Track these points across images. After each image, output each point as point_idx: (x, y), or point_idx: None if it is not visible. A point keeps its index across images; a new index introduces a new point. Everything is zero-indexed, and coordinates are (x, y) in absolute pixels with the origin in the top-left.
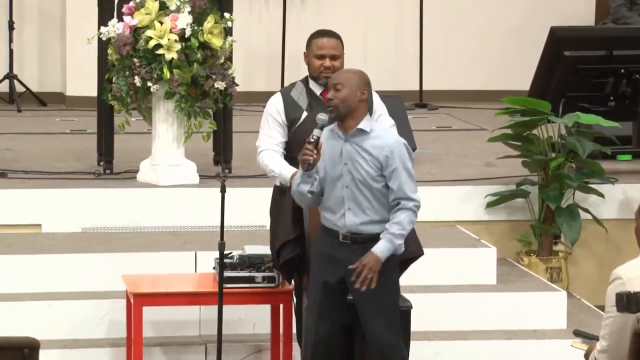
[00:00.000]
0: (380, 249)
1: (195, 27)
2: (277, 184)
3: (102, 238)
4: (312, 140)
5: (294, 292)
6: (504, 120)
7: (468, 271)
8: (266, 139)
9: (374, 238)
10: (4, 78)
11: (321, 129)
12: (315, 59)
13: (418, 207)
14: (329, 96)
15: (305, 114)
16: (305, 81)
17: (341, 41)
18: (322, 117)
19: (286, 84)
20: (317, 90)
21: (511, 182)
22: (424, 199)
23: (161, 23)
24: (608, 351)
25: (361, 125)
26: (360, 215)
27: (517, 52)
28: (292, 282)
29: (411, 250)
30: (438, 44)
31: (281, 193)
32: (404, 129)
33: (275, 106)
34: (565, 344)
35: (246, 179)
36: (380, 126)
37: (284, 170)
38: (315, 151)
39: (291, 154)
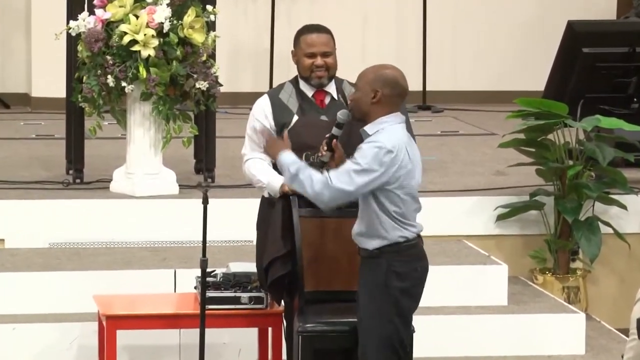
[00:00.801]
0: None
1: (175, 21)
2: (266, 194)
3: (71, 254)
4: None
5: (283, 315)
6: (516, 124)
7: (476, 291)
8: (252, 146)
9: (365, 254)
10: None
11: (339, 127)
12: (305, 58)
13: (324, 201)
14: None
15: (295, 117)
16: (295, 82)
17: (332, 36)
18: (341, 115)
19: (275, 84)
20: (309, 91)
21: (524, 192)
22: (428, 210)
23: (137, 17)
24: None
25: (366, 128)
26: (358, 224)
27: (530, 49)
28: (282, 303)
29: None
30: (443, 40)
31: (270, 205)
32: None
33: (262, 110)
34: None
35: (231, 189)
36: (385, 132)
37: (273, 180)
38: (325, 150)
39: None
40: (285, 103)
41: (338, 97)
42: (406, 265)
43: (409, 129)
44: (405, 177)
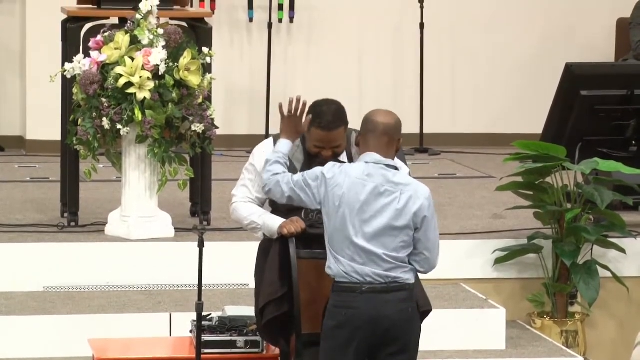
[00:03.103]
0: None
1: (170, 64)
2: (260, 236)
3: (66, 298)
4: None
5: (279, 359)
6: (514, 167)
7: (474, 335)
8: (243, 190)
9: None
10: None
11: None
12: (314, 147)
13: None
14: None
15: (301, 165)
16: (303, 138)
17: (345, 124)
18: None
19: (271, 125)
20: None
21: (522, 235)
22: None
23: (132, 59)
24: None
25: None
26: None
27: (528, 91)
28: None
29: (420, 304)
30: (440, 82)
31: (265, 252)
32: None
33: (264, 156)
34: None
35: (227, 232)
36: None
37: (268, 221)
38: None
39: (278, 207)
40: (289, 157)
41: (347, 153)
42: (335, 302)
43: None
44: (331, 208)
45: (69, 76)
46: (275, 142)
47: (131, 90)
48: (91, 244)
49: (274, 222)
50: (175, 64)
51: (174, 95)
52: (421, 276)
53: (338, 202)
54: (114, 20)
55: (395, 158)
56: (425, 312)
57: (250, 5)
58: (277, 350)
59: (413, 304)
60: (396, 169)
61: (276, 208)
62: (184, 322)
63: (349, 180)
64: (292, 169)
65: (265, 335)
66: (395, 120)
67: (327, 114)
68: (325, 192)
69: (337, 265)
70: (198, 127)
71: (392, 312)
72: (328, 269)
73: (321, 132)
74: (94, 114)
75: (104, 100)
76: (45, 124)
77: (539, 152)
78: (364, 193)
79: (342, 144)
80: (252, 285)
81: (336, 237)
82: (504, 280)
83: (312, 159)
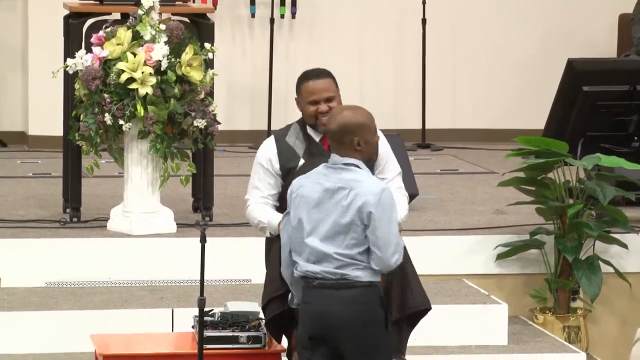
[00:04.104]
0: None
1: (172, 59)
2: (268, 235)
3: (68, 293)
4: None
5: (286, 354)
6: (516, 162)
7: (476, 330)
8: (254, 192)
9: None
10: None
11: None
12: (308, 106)
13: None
14: None
15: (302, 161)
16: (302, 123)
17: (333, 78)
18: None
19: (273, 121)
20: (316, 136)
21: (524, 231)
22: (427, 249)
23: (134, 54)
24: None
25: None
26: None
27: (530, 87)
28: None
29: (417, 303)
30: (443, 78)
31: (269, 249)
32: (404, 172)
33: (266, 154)
34: None
35: (229, 228)
36: None
37: (272, 219)
38: None
39: (284, 205)
40: (291, 146)
41: None
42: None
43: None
44: (291, 210)
45: (71, 72)
46: (276, 139)
47: (133, 85)
48: (93, 240)
49: (276, 220)
50: (178, 59)
51: (176, 90)
52: (423, 271)
53: (297, 202)
54: (116, 16)
55: (388, 153)
56: (423, 311)
57: (252, 1)
58: (279, 346)
59: (372, 309)
60: (358, 167)
61: (282, 205)
62: (186, 318)
63: (307, 181)
64: (294, 156)
65: (269, 331)
66: (346, 120)
67: (313, 69)
68: (290, 197)
69: (297, 264)
70: (200, 123)
71: (339, 309)
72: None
73: (310, 83)
74: (96, 109)
75: (106, 95)
76: (47, 119)
77: (541, 147)
78: (317, 192)
79: (337, 98)
80: (254, 280)
81: (294, 237)
82: (506, 275)
83: (312, 144)
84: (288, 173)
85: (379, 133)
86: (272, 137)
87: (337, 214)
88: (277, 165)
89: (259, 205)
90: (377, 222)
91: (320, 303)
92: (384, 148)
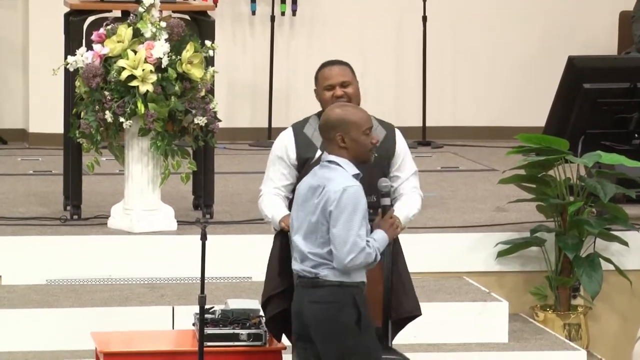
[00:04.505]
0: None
1: (173, 57)
2: (273, 229)
3: (68, 291)
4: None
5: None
6: (517, 160)
7: (477, 328)
8: (268, 183)
9: None
10: None
11: (388, 195)
12: (324, 92)
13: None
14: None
15: (319, 152)
16: (320, 116)
17: (349, 67)
18: (385, 183)
19: (274, 118)
20: None
21: (525, 228)
22: (428, 247)
23: (135, 52)
24: None
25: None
26: None
27: (531, 84)
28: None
29: (406, 309)
30: (443, 75)
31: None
32: None
33: (284, 144)
34: None
35: (229, 225)
36: None
37: (276, 214)
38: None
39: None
40: (309, 137)
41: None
42: None
43: None
44: None
45: (71, 69)
46: (294, 130)
47: (134, 83)
48: (94, 237)
49: (279, 216)
50: (178, 57)
51: (176, 88)
52: (424, 269)
53: (294, 199)
54: (117, 14)
55: (405, 152)
56: (414, 317)
57: None
58: (279, 344)
59: (342, 309)
60: (338, 165)
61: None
62: (187, 315)
63: (305, 178)
64: (312, 147)
65: (270, 329)
66: (330, 116)
67: (329, 60)
68: None
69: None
70: (201, 120)
71: (308, 308)
72: None
73: (326, 69)
74: (97, 107)
75: (106, 93)
76: (47, 117)
77: (541, 145)
78: (304, 190)
79: (353, 85)
80: (255, 278)
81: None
82: (507, 273)
83: None
84: (304, 164)
85: (397, 132)
86: (290, 128)
87: (311, 212)
88: (293, 156)
89: (271, 196)
90: (334, 221)
91: (297, 302)
92: (401, 146)
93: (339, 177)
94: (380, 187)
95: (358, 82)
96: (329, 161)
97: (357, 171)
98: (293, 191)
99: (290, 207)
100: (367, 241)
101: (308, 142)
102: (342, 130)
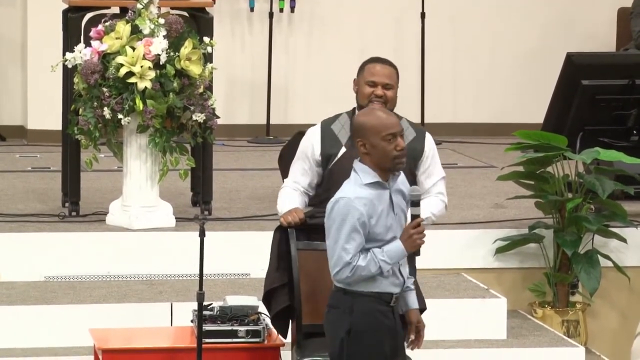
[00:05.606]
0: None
1: (171, 53)
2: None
3: (67, 287)
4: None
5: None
6: (515, 156)
7: (475, 324)
8: (290, 176)
9: None
10: None
11: (418, 204)
12: (366, 86)
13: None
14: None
15: (343, 149)
16: (351, 113)
17: (397, 72)
18: (415, 192)
19: (272, 115)
20: None
21: (523, 225)
22: (426, 243)
23: (133, 48)
24: None
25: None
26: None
27: (530, 81)
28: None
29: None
30: (442, 72)
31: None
32: None
33: (310, 138)
34: None
35: (228, 222)
36: None
37: (283, 208)
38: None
39: (328, 194)
40: (336, 134)
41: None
42: None
43: None
44: None
45: (70, 66)
46: (322, 125)
47: (132, 79)
48: (92, 234)
49: (282, 210)
50: (176, 53)
51: (175, 84)
52: (422, 266)
53: None
54: (115, 10)
55: (433, 155)
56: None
57: None
58: (278, 340)
59: (339, 315)
60: (355, 172)
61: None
62: (185, 312)
63: None
64: (337, 143)
65: (275, 326)
66: (354, 122)
67: (381, 57)
68: None
69: None
70: (199, 117)
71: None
72: None
73: (377, 65)
74: (95, 103)
75: (105, 89)
76: (46, 113)
77: (540, 141)
78: None
79: (394, 89)
80: (253, 275)
81: None
82: (505, 269)
83: None
84: (328, 160)
85: (427, 135)
86: (318, 125)
87: None
88: (317, 152)
89: (287, 190)
90: (327, 233)
91: None
92: (430, 148)
93: (344, 187)
94: (410, 196)
95: (398, 88)
96: (354, 168)
97: (374, 179)
98: (315, 187)
99: (309, 204)
100: (369, 254)
101: (334, 138)
102: (362, 135)
